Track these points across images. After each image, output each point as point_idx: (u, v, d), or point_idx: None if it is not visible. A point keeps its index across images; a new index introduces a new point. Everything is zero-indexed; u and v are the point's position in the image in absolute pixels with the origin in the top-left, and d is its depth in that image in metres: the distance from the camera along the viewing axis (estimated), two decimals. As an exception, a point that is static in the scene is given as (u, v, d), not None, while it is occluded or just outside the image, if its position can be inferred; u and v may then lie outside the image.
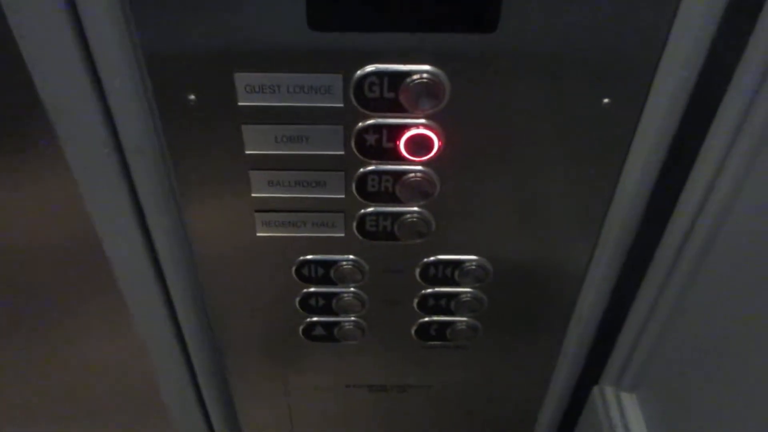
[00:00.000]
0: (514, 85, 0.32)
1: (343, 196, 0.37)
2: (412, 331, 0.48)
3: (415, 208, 0.38)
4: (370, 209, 0.38)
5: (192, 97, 0.32)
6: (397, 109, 0.33)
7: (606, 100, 0.33)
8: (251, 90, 0.31)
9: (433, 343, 0.49)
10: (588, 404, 0.52)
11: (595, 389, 0.51)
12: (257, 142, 0.34)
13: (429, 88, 0.32)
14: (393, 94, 0.32)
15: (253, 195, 0.37)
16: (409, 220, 0.39)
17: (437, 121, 0.34)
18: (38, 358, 0.53)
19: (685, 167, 0.37)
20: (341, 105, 0.33)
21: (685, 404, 0.40)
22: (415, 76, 0.31)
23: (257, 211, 0.38)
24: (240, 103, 0.32)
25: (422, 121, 0.34)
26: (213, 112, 0.32)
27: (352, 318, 0.47)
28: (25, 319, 0.49)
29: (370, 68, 0.31)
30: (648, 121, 0.34)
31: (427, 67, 0.31)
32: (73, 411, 0.59)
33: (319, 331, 0.47)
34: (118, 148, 0.33)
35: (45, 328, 0.49)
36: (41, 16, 0.29)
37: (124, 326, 0.46)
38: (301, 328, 0.47)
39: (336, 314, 0.46)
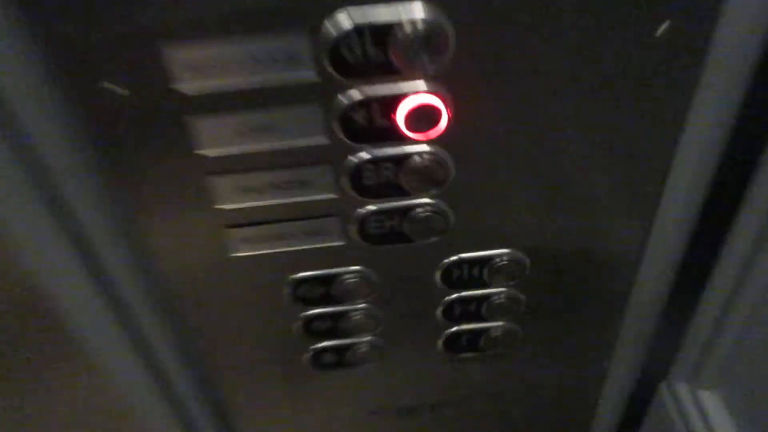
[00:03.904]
0: (536, 24, 0.25)
1: (335, 196, 0.30)
2: (440, 344, 0.41)
3: (427, 200, 0.31)
4: (372, 207, 0.31)
5: (117, 89, 0.24)
6: (389, 72, 0.25)
7: (663, 27, 0.25)
8: (189, 68, 0.23)
9: (465, 355, 0.42)
10: (655, 402, 0.45)
11: (663, 386, 0.44)
12: (211, 139, 0.26)
13: (427, 39, 0.24)
14: (381, 52, 0.24)
15: (218, 207, 0.29)
16: (422, 215, 0.31)
17: (443, 84, 0.26)
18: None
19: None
20: (314, 76, 0.25)
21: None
22: (408, 25, 0.23)
23: (228, 226, 0.30)
24: (176, 87, 0.24)
25: (423, 86, 0.26)
26: (146, 104, 0.25)
27: (367, 338, 0.39)
28: None
29: (344, 19, 0.23)
30: (718, 58, 0.26)
31: (422, 9, 0.23)
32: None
33: (328, 358, 0.40)
34: (39, 171, 0.25)
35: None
36: None
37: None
38: (307, 357, 0.40)
39: (347, 336, 0.38)
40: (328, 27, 0.23)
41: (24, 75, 0.23)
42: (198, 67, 0.23)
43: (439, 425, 0.49)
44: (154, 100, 0.24)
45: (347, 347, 0.40)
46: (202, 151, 0.26)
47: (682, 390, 0.42)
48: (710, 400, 0.40)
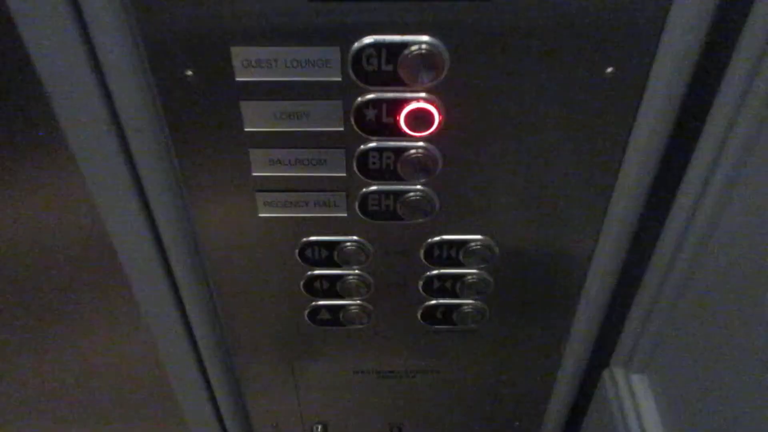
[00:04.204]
0: (514, 55, 0.32)
1: (344, 175, 0.37)
2: (419, 315, 0.47)
3: (418, 186, 0.38)
4: (372, 188, 0.38)
5: (190, 73, 0.32)
6: (397, 82, 0.32)
7: (609, 69, 0.33)
8: (248, 65, 0.31)
9: (440, 327, 0.48)
10: (599, 387, 0.52)
11: (605, 372, 0.50)
12: (256, 119, 0.34)
13: (427, 60, 0.31)
14: (391, 66, 0.32)
15: (254, 174, 0.37)
16: (412, 198, 0.38)
17: (437, 94, 0.33)
18: (45, 356, 0.53)
19: (692, 140, 0.36)
20: (339, 79, 0.32)
21: (695, 383, 0.39)
22: (414, 47, 0.31)
23: (258, 191, 0.38)
24: (237, 79, 0.32)
25: (422, 94, 0.33)
26: (211, 89, 0.32)
27: (358, 301, 0.46)
28: (31, 317, 0.49)
29: (367, 40, 0.31)
30: (653, 90, 0.33)
31: (425, 38, 0.31)
32: (82, 406, 0.59)
33: (324, 315, 0.47)
34: (118, 127, 0.33)
35: (48, 326, 0.50)
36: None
37: (131, 318, 0.46)
38: (306, 312, 0.47)
39: (341, 297, 0.45)
40: (355, 44, 0.31)
41: (125, 56, 0.31)
42: (255, 64, 0.31)
43: (414, 390, 0.55)
44: (219, 87, 0.32)
45: (341, 307, 0.46)
46: (248, 129, 0.34)
47: (619, 375, 0.48)
48: (639, 382, 0.46)
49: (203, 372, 0.52)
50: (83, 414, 0.60)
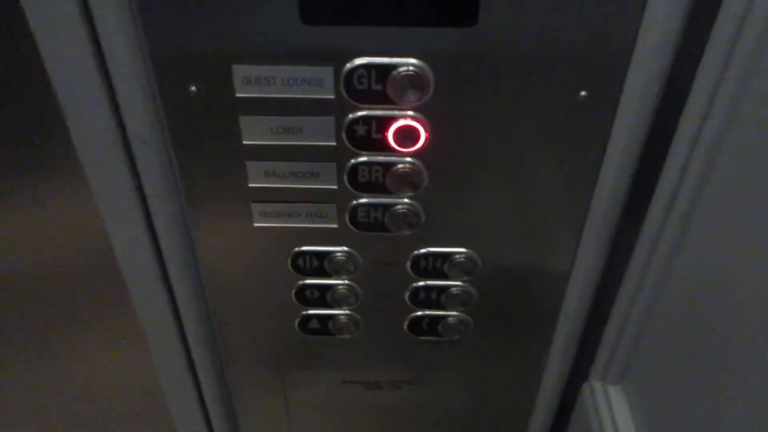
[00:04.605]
0: (496, 78, 0.34)
1: (335, 187, 0.39)
2: (405, 326, 0.49)
3: (405, 200, 0.40)
4: (362, 200, 0.40)
5: (193, 88, 0.34)
6: (385, 101, 0.35)
7: (583, 93, 0.35)
8: (248, 82, 0.34)
9: (425, 338, 0.50)
10: (579, 400, 0.53)
11: (585, 385, 0.52)
12: (254, 133, 0.36)
13: (414, 81, 0.34)
14: (380, 86, 0.34)
15: (250, 185, 0.39)
16: (399, 211, 0.40)
17: (423, 113, 0.36)
18: (40, 366, 0.54)
19: (662, 157, 0.39)
20: (332, 97, 0.35)
21: (668, 393, 0.41)
22: (401, 69, 0.33)
23: (254, 201, 0.40)
24: (237, 95, 0.34)
25: (409, 113, 0.36)
26: (213, 103, 0.35)
27: (347, 311, 0.48)
28: (29, 324, 0.51)
29: (359, 61, 0.33)
30: (623, 114, 0.36)
31: (412, 60, 0.33)
32: (72, 416, 0.60)
33: (314, 323, 0.48)
34: (124, 137, 0.35)
35: (44, 333, 0.51)
36: (58, 16, 0.31)
37: (126, 323, 0.48)
38: (297, 321, 0.48)
39: (331, 307, 0.47)
40: (347, 65, 0.34)
41: (134, 72, 0.34)
42: (254, 82, 0.34)
43: (400, 402, 0.56)
44: (220, 102, 0.35)
45: (330, 317, 0.48)
46: (247, 141, 0.36)
47: (597, 386, 0.50)
48: (614, 393, 0.48)
49: (196, 380, 0.53)
50: (74, 423, 0.61)
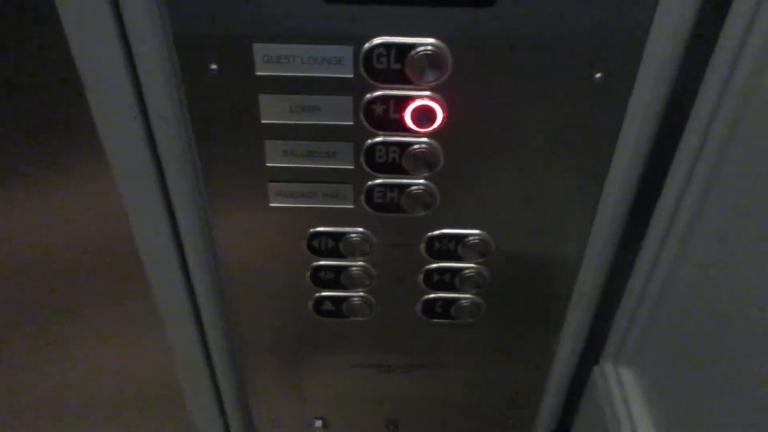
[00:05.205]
0: (512, 58, 0.35)
1: (352, 167, 0.40)
2: (418, 308, 0.49)
3: (421, 180, 0.40)
4: (378, 180, 0.40)
5: (214, 66, 0.34)
6: (404, 80, 0.35)
7: (598, 75, 0.35)
8: (268, 60, 0.34)
9: (438, 320, 0.50)
10: (589, 383, 0.54)
11: (596, 368, 0.52)
12: (273, 112, 0.36)
13: (432, 60, 0.34)
14: (399, 65, 0.34)
15: (267, 165, 0.39)
16: (415, 191, 0.41)
17: (441, 93, 0.36)
18: (52, 355, 0.55)
19: (676, 140, 0.39)
20: (351, 76, 0.35)
21: (681, 375, 0.41)
22: (420, 48, 0.34)
23: (271, 181, 0.40)
24: (257, 73, 0.35)
25: (427, 93, 0.36)
26: (233, 82, 0.35)
27: (361, 293, 0.48)
28: (45, 312, 0.51)
29: (378, 40, 0.34)
30: (638, 96, 0.36)
31: (431, 40, 0.34)
32: (88, 404, 0.61)
33: (328, 305, 0.49)
34: (145, 115, 0.36)
35: (53, 323, 0.52)
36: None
37: (142, 309, 0.49)
38: (311, 302, 0.49)
39: (345, 288, 0.47)
40: (366, 44, 0.34)
41: (156, 49, 0.34)
42: (274, 60, 0.34)
43: (410, 386, 0.56)
44: (240, 81, 0.35)
45: (344, 299, 0.48)
46: (265, 120, 0.37)
47: (608, 369, 0.50)
48: (626, 375, 0.48)
49: (209, 362, 0.54)
50: (89, 411, 0.62)
